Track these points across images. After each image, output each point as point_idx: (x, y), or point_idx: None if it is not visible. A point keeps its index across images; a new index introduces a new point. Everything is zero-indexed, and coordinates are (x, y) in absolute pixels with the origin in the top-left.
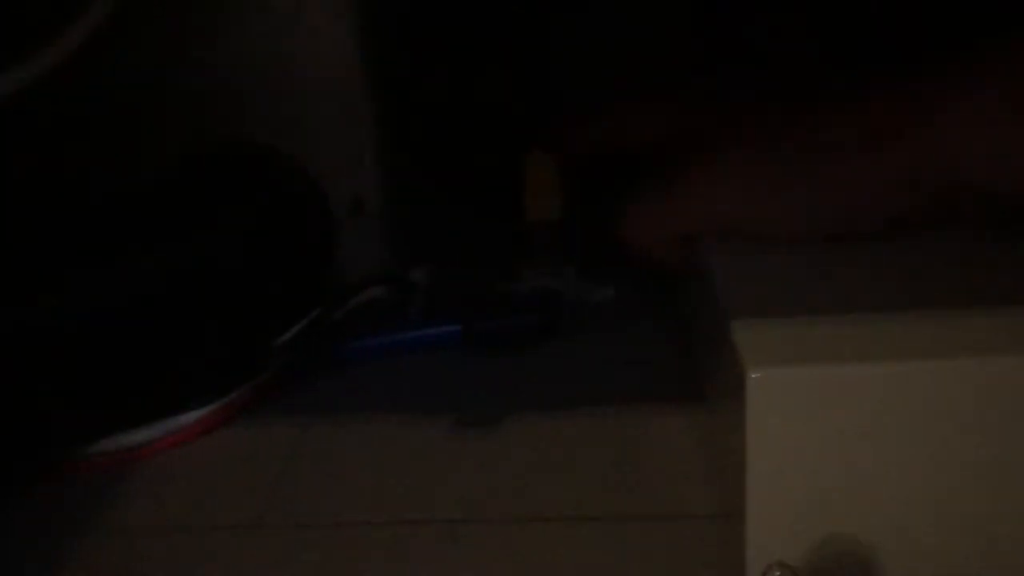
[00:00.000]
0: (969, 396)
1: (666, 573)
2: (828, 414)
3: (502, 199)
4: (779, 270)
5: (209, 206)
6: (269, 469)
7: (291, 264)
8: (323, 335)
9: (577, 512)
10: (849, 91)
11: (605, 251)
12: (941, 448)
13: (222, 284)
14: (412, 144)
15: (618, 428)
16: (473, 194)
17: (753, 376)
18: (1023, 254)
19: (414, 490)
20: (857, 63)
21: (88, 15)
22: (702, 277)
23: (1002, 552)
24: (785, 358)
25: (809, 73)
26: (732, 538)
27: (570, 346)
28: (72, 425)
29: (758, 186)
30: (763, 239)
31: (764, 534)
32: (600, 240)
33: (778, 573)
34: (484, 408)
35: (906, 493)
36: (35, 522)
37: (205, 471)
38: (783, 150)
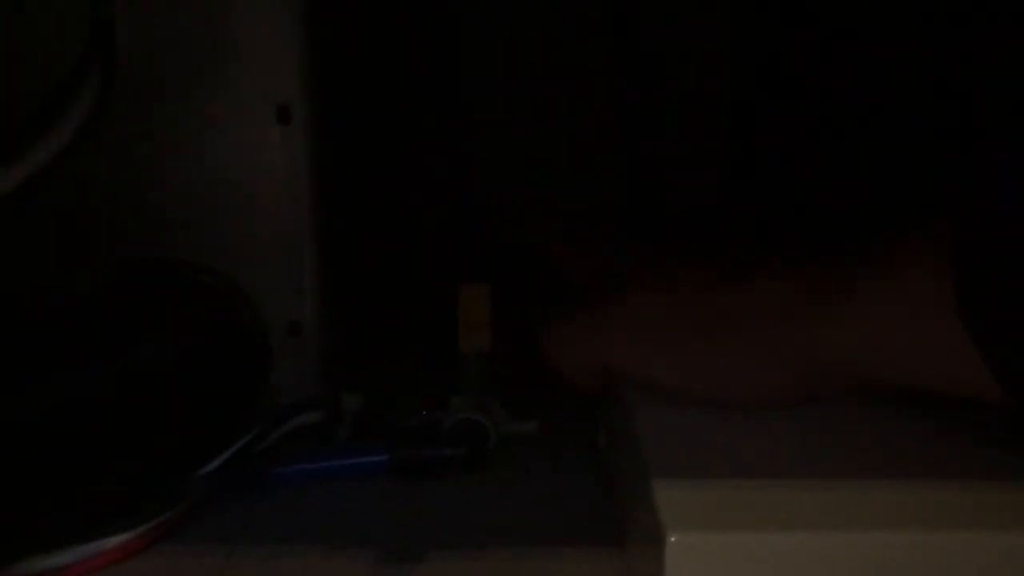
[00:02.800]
0: (885, 567)
1: None
2: (741, 574)
3: (435, 329)
4: (703, 428)
5: (140, 325)
6: None
7: (223, 386)
8: (252, 459)
9: None
10: (775, 260)
11: (531, 384)
12: None
13: (149, 405)
14: (349, 271)
15: (537, 564)
16: (407, 323)
17: (672, 539)
18: (936, 424)
19: None
20: (795, 230)
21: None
22: (626, 429)
23: None
24: (704, 523)
25: (742, 238)
26: None
27: (495, 479)
28: None
29: (658, 339)
30: (666, 391)
31: None
32: (527, 372)
33: None
34: (407, 541)
35: None
36: None
37: None
38: (692, 308)
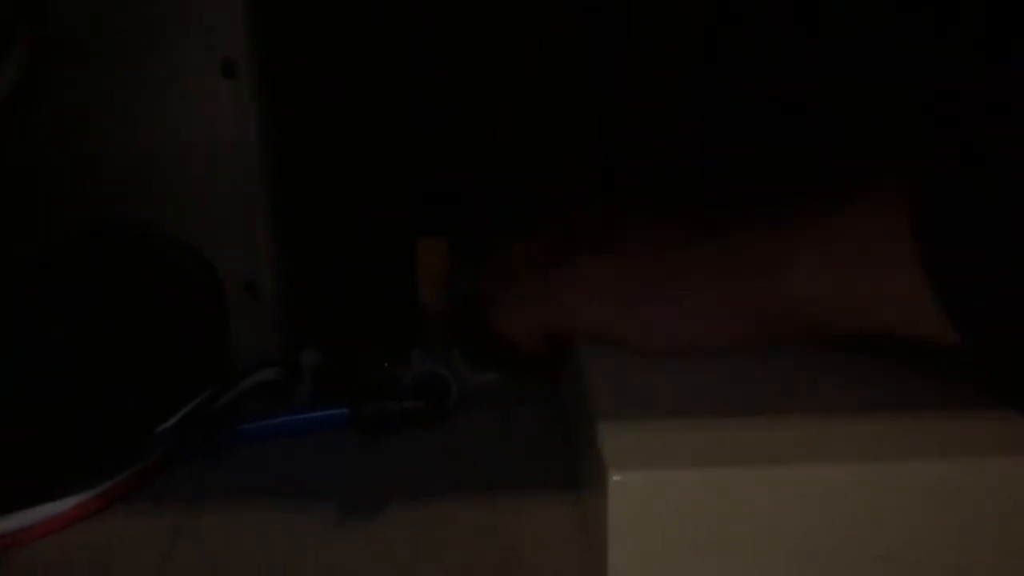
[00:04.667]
0: (823, 500)
1: None
2: (683, 511)
3: (394, 283)
4: (648, 373)
5: (96, 287)
6: (151, 554)
7: (181, 346)
8: (210, 418)
9: None
10: (728, 214)
11: (489, 338)
12: (782, 544)
13: (107, 366)
14: (305, 228)
15: (498, 513)
16: (365, 278)
17: (615, 479)
18: (871, 365)
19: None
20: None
21: None
22: (574, 375)
23: None
24: (646, 462)
25: (696, 193)
26: None
27: (456, 430)
28: None
29: (608, 297)
30: (618, 344)
31: None
32: (483, 327)
33: None
34: (368, 495)
35: None
36: None
37: (81, 562)
38: (642, 267)
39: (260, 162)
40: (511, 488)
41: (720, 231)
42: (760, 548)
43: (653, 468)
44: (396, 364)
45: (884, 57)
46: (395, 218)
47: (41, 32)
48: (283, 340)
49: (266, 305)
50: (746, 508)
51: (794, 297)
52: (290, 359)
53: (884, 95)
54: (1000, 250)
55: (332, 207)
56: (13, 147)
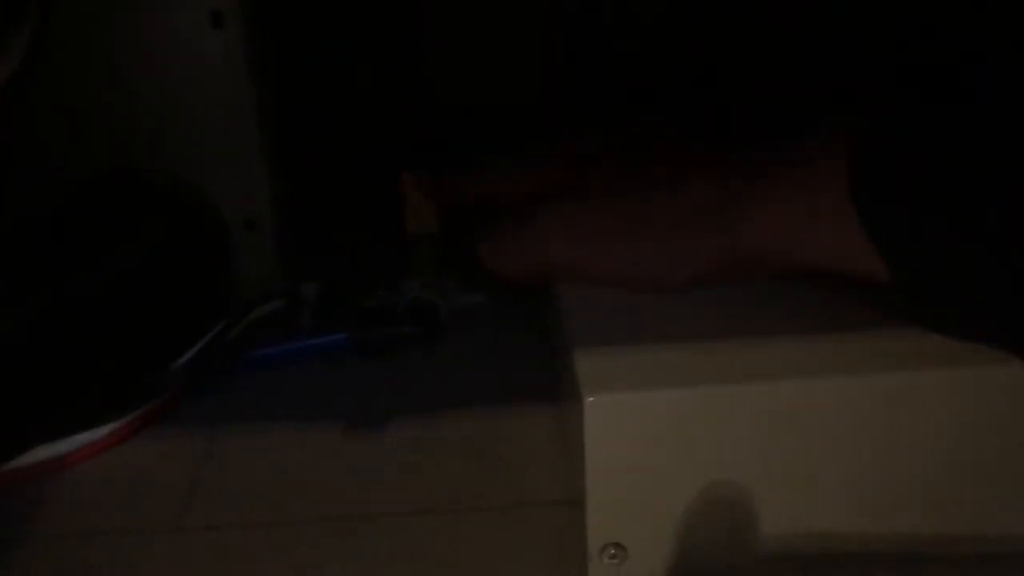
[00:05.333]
0: (792, 415)
1: (527, 550)
2: (656, 431)
3: (383, 216)
4: (620, 303)
5: (109, 229)
6: (182, 476)
7: (191, 282)
8: (223, 349)
9: (458, 504)
10: (698, 166)
11: (478, 268)
12: (753, 461)
13: (127, 304)
14: (299, 165)
15: (487, 427)
16: (357, 210)
17: (589, 400)
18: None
19: (313, 489)
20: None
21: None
22: (553, 303)
23: (792, 530)
24: (618, 384)
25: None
26: (579, 523)
27: (447, 351)
28: None
29: (588, 237)
30: (592, 282)
31: (602, 519)
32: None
33: (612, 551)
34: (371, 412)
35: (719, 496)
36: None
37: (121, 480)
38: (621, 212)
39: (253, 106)
40: (498, 403)
41: (683, 188)
42: (732, 465)
43: (624, 390)
44: (389, 292)
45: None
46: (383, 151)
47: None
48: (283, 273)
49: (265, 240)
50: (716, 426)
51: (747, 248)
52: (291, 291)
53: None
54: (924, 200)
55: (323, 144)
56: (18, 103)
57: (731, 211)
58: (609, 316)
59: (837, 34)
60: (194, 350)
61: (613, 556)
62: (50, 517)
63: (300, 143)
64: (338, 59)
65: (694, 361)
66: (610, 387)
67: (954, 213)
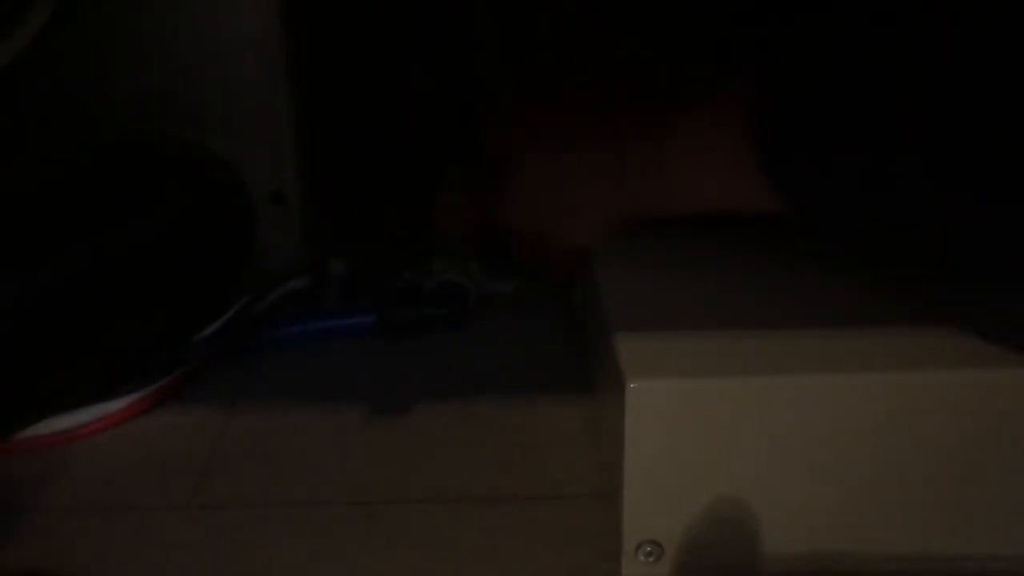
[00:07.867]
0: (822, 408)
1: (557, 544)
2: (696, 418)
3: (415, 195)
4: (662, 286)
5: (135, 197)
6: (199, 452)
7: (215, 254)
8: (246, 324)
9: (480, 493)
10: (617, 121)
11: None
12: (790, 449)
13: (149, 274)
14: (328, 141)
15: (515, 415)
16: (387, 189)
17: (632, 386)
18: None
19: (333, 472)
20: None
21: (30, 22)
22: (590, 287)
23: (831, 526)
24: (661, 370)
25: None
26: (612, 516)
27: (474, 336)
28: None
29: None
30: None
31: (639, 515)
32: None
33: (648, 548)
34: (396, 395)
35: (759, 486)
36: None
37: (136, 453)
38: (545, 171)
39: (286, 81)
40: (526, 389)
41: (611, 142)
42: (771, 455)
43: (667, 376)
44: (417, 272)
45: None
46: (414, 134)
47: None
48: (309, 249)
49: (292, 214)
50: (757, 416)
51: (659, 194)
52: (317, 268)
53: None
54: (817, 134)
55: (354, 121)
56: (48, 66)
57: (643, 164)
58: (650, 300)
59: None
60: (217, 323)
61: (649, 553)
62: (63, 489)
63: (331, 117)
64: (381, 43)
65: (742, 348)
66: (654, 373)
67: (847, 140)
